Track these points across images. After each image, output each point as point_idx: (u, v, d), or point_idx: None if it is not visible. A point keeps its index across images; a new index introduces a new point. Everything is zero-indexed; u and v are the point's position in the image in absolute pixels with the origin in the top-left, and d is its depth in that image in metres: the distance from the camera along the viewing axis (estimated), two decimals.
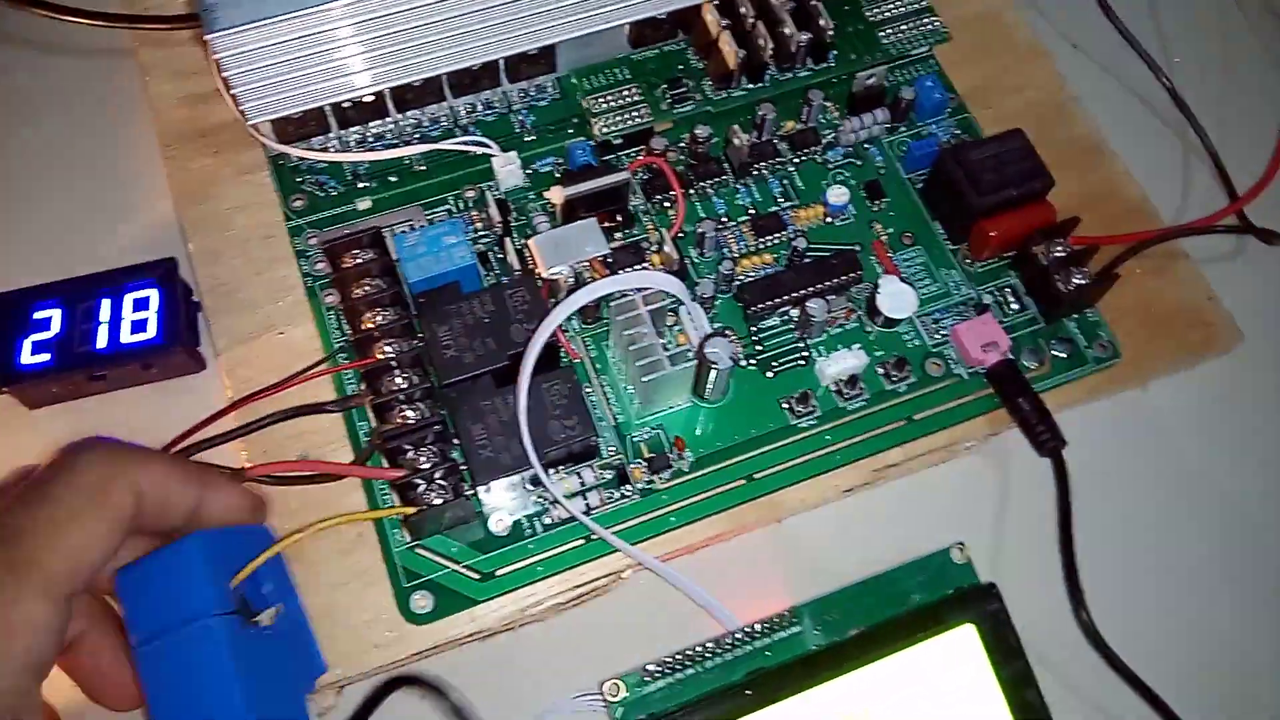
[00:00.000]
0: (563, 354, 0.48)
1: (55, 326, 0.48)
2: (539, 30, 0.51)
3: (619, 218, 0.51)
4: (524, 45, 0.51)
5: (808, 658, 0.43)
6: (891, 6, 0.56)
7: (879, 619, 0.44)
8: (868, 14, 0.56)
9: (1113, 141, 0.56)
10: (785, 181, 0.53)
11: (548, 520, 0.45)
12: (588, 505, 0.46)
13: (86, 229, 0.54)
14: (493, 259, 0.51)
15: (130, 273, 0.49)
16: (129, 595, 0.38)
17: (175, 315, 0.48)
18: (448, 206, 0.52)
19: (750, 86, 0.54)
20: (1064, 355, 0.50)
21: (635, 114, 0.53)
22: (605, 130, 0.52)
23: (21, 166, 0.55)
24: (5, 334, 0.47)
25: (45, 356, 0.47)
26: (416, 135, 0.53)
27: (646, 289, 0.46)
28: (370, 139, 0.53)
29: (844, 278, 0.49)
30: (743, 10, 0.53)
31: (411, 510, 0.43)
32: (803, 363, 0.49)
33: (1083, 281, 0.49)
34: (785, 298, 0.49)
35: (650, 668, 0.42)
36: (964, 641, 0.43)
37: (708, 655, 0.43)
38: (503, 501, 0.45)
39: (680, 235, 0.52)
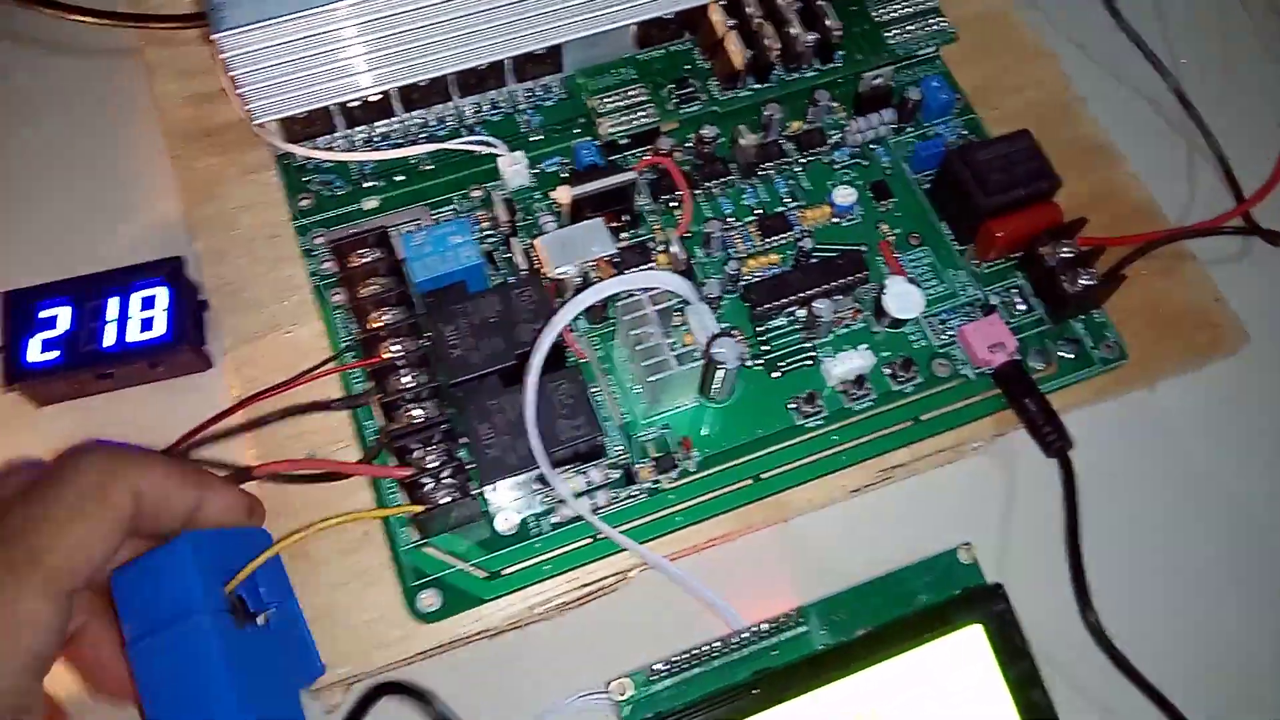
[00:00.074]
0: (569, 354, 0.48)
1: (63, 325, 0.48)
2: (546, 30, 0.51)
3: (625, 218, 0.51)
4: (531, 45, 0.51)
5: (814, 658, 0.43)
6: (898, 7, 0.56)
7: (886, 619, 0.44)
8: (874, 14, 0.56)
9: (1119, 142, 0.56)
10: (792, 182, 0.53)
11: (555, 519, 0.45)
12: (595, 504, 0.46)
13: (92, 228, 0.54)
14: (498, 258, 0.51)
15: (137, 271, 0.49)
16: (123, 594, 0.38)
17: (182, 314, 0.48)
18: (453, 206, 0.52)
19: (757, 86, 0.55)
20: (1071, 356, 0.50)
21: (641, 114, 0.53)
22: (611, 130, 0.53)
23: (28, 165, 0.55)
24: (13, 332, 0.47)
25: (53, 354, 0.47)
26: (423, 135, 0.53)
27: (653, 289, 0.46)
28: (376, 138, 0.53)
29: (850, 278, 0.49)
30: (749, 10, 0.53)
31: (419, 509, 0.43)
32: (809, 363, 0.49)
33: (1090, 282, 0.49)
34: (792, 298, 0.49)
35: (657, 667, 0.42)
36: (971, 642, 0.43)
37: (715, 654, 0.43)
38: (509, 501, 0.45)
39: (687, 235, 0.52)
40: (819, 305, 0.48)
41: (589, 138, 0.54)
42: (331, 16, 0.46)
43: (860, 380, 0.49)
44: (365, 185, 0.52)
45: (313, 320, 0.49)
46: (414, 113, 0.53)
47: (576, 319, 0.47)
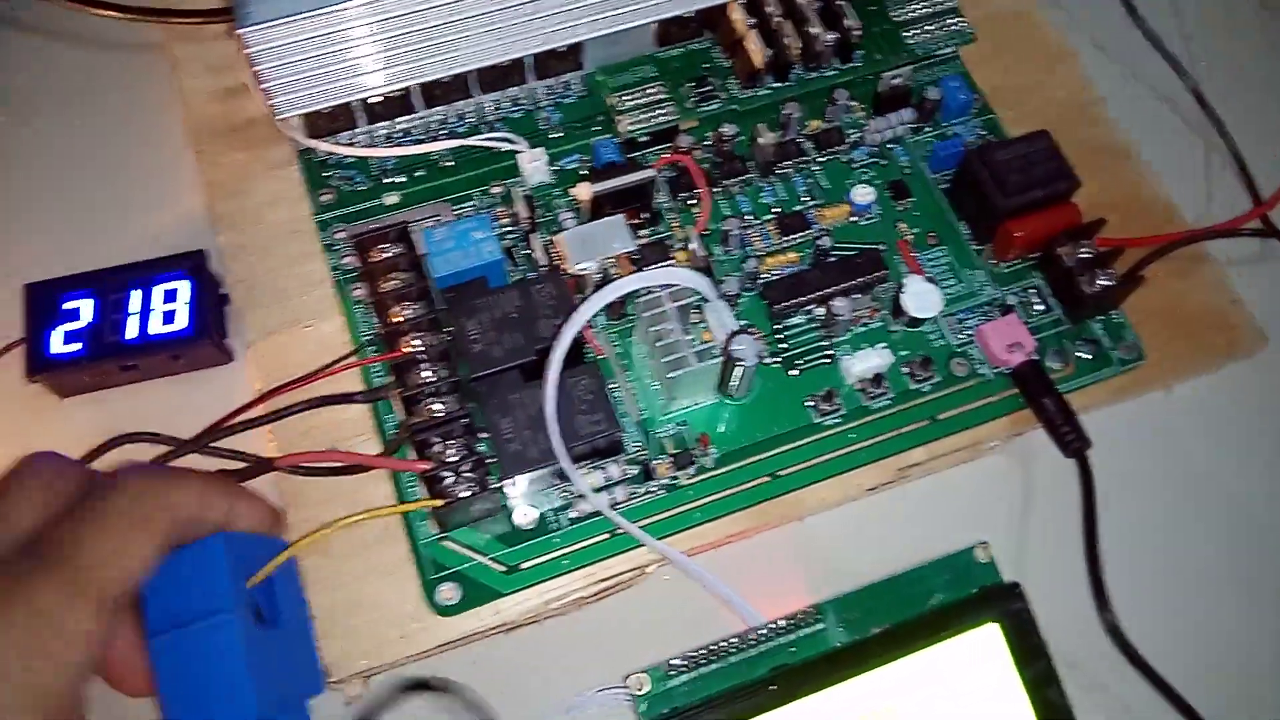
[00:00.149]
0: (587, 350, 0.48)
1: (86, 317, 0.48)
2: (567, 28, 0.51)
3: (645, 215, 0.52)
4: (553, 42, 0.51)
5: (831, 655, 0.43)
6: (917, 7, 0.56)
7: (902, 617, 0.44)
8: (893, 14, 0.56)
9: (1136, 144, 0.56)
10: (810, 180, 0.54)
11: (573, 514, 0.46)
12: (613, 500, 0.46)
13: (116, 221, 0.54)
14: (518, 254, 0.51)
15: (160, 264, 0.49)
16: (150, 589, 0.38)
17: (204, 307, 0.49)
18: (474, 203, 0.52)
19: (776, 85, 0.55)
20: (1088, 357, 0.50)
21: (661, 112, 0.53)
22: (631, 128, 0.53)
23: (52, 158, 0.56)
24: (37, 324, 0.48)
25: (76, 346, 0.47)
26: (443, 131, 0.54)
27: (673, 286, 0.46)
28: (398, 134, 0.53)
29: (869, 277, 0.49)
30: (769, 9, 0.53)
31: (438, 503, 0.43)
32: (827, 361, 0.49)
33: (1108, 283, 0.49)
34: (810, 296, 0.49)
35: (674, 662, 0.42)
36: (988, 640, 0.43)
37: (732, 650, 0.43)
38: (529, 495, 0.46)
39: (705, 233, 0.52)
40: (838, 304, 0.48)
41: (608, 135, 0.54)
42: (355, 12, 0.47)
43: (878, 379, 0.49)
44: (386, 181, 0.52)
45: (334, 315, 0.50)
46: (435, 109, 0.53)
47: (595, 315, 0.47)
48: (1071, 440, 0.47)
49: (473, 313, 0.46)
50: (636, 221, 0.51)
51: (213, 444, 0.46)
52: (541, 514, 0.46)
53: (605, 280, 0.47)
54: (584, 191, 0.50)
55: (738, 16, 0.53)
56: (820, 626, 0.44)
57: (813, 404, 0.48)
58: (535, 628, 0.45)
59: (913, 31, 0.56)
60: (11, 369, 0.49)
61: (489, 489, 0.44)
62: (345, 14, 0.46)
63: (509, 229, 0.51)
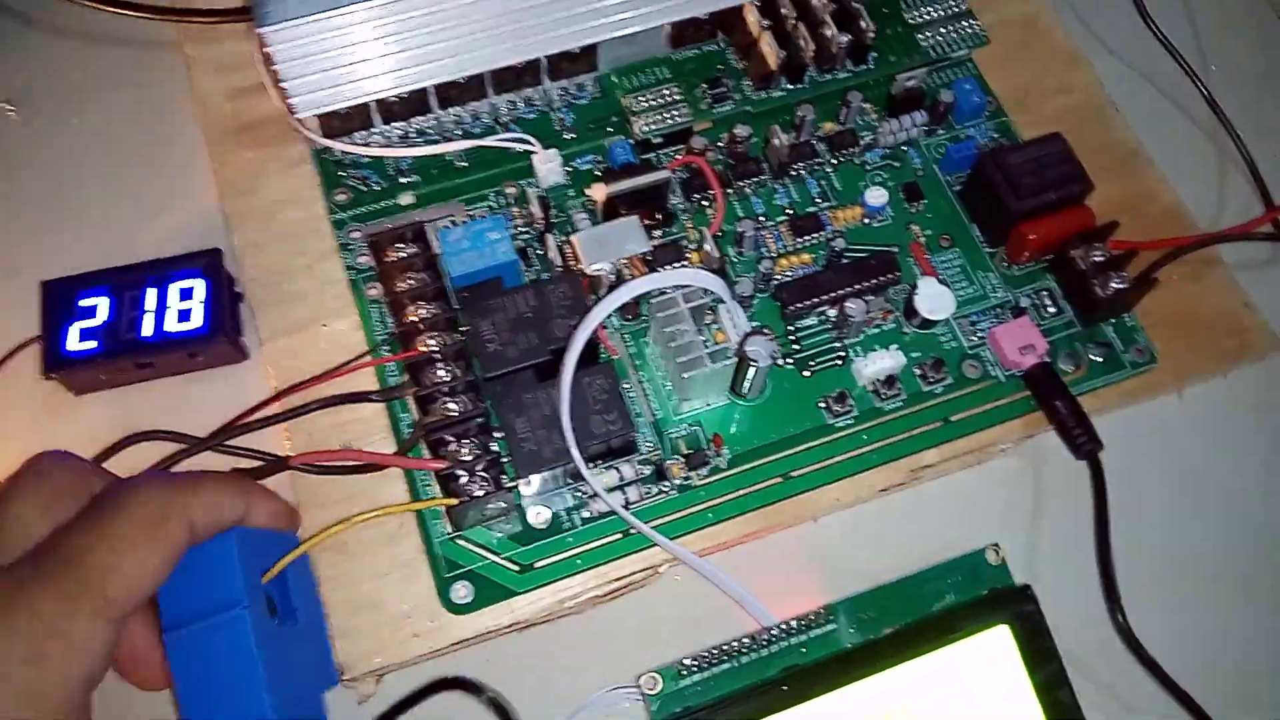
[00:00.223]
0: (601, 350, 0.48)
1: (102, 314, 0.48)
2: (582, 29, 0.51)
3: (658, 216, 0.52)
4: (568, 43, 0.51)
5: (843, 655, 0.43)
6: (931, 10, 0.56)
7: (914, 618, 0.44)
8: (907, 17, 0.56)
9: (1149, 147, 0.57)
10: (823, 182, 0.54)
11: (586, 514, 0.46)
12: (626, 500, 0.46)
13: (131, 220, 0.54)
14: (532, 255, 0.51)
15: (176, 262, 0.49)
16: (164, 583, 0.39)
17: (220, 305, 0.49)
18: (488, 203, 0.52)
19: (790, 87, 0.55)
20: (1100, 359, 0.50)
21: (675, 113, 0.53)
22: (645, 129, 0.53)
23: (68, 157, 0.56)
24: (53, 321, 0.48)
25: (92, 344, 0.48)
26: (458, 131, 0.54)
27: (687, 287, 0.46)
28: (412, 134, 0.53)
29: (882, 278, 0.49)
30: (784, 11, 0.53)
31: (453, 501, 0.43)
32: (840, 363, 0.50)
33: (1121, 286, 0.49)
34: (823, 297, 0.49)
35: (687, 662, 0.42)
36: (998, 642, 0.43)
37: (744, 651, 0.43)
38: (542, 494, 0.46)
39: (719, 234, 0.52)
40: (851, 305, 0.48)
41: (623, 136, 0.54)
42: (374, 12, 0.47)
43: (891, 380, 0.49)
44: (401, 181, 0.53)
45: (348, 314, 0.50)
46: (450, 109, 0.53)
47: (609, 315, 0.48)
48: (1084, 442, 0.48)
49: (488, 313, 0.46)
50: (650, 222, 0.51)
51: (227, 442, 0.46)
52: (555, 513, 0.46)
53: (619, 281, 0.48)
54: (599, 192, 0.50)
55: (752, 18, 0.53)
56: (832, 627, 0.44)
57: (825, 405, 0.49)
58: (548, 627, 0.46)
59: (927, 34, 0.56)
60: (27, 366, 0.49)
61: (503, 488, 0.44)
62: (363, 15, 0.47)
63: (522, 230, 0.52)
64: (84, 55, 0.59)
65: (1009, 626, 0.44)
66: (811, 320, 0.50)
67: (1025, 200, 0.50)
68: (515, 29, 0.50)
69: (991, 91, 0.57)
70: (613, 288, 0.47)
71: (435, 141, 0.53)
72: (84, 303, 0.48)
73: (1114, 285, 0.49)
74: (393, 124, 0.53)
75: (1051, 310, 0.51)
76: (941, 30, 0.56)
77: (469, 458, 0.44)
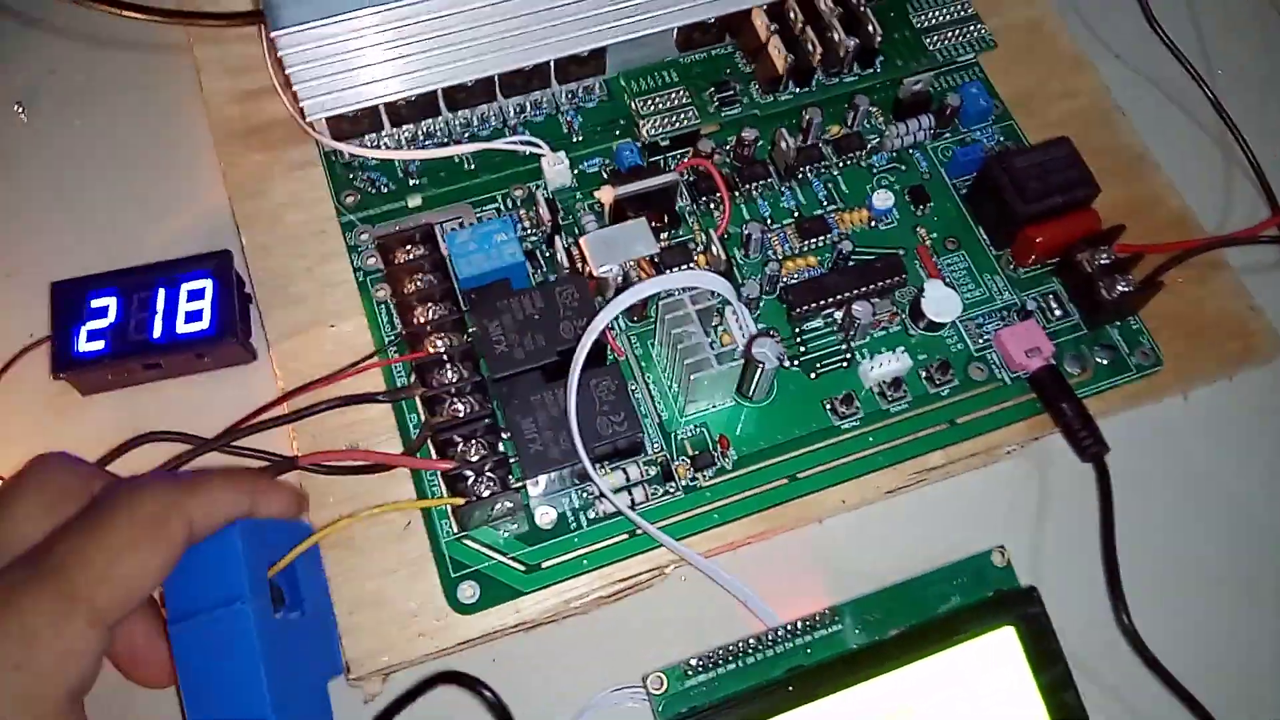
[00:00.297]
0: (608, 352, 0.48)
1: (111, 315, 0.48)
2: (590, 33, 0.51)
3: (665, 218, 0.52)
4: (576, 47, 0.52)
5: (848, 656, 0.43)
6: (938, 14, 0.57)
7: (919, 620, 0.44)
8: (914, 21, 0.56)
9: (1155, 151, 0.57)
10: (830, 185, 0.54)
11: (592, 515, 0.46)
12: (632, 501, 0.46)
13: (138, 221, 0.54)
14: (540, 257, 0.51)
15: (186, 264, 0.50)
16: (170, 575, 0.39)
17: (229, 306, 0.49)
18: (496, 205, 0.53)
19: (797, 91, 0.55)
20: (1106, 362, 0.50)
21: (682, 116, 0.54)
22: (653, 132, 0.53)
23: (77, 159, 0.56)
24: (63, 321, 0.48)
25: (101, 344, 0.48)
26: (465, 134, 0.54)
27: (694, 288, 0.47)
28: (421, 137, 0.54)
29: (888, 281, 0.50)
30: (792, 16, 0.54)
31: (460, 500, 0.44)
32: (846, 365, 0.50)
33: (1126, 289, 0.49)
34: (830, 300, 0.49)
35: (692, 662, 0.43)
36: (1003, 644, 0.43)
37: (749, 651, 0.43)
38: (549, 495, 0.46)
39: (725, 237, 0.52)
40: (858, 308, 0.49)
41: (630, 139, 0.54)
42: (385, 16, 0.47)
43: (896, 383, 0.49)
44: (410, 183, 0.53)
45: (356, 315, 0.50)
46: (458, 113, 0.54)
47: (616, 317, 0.48)
48: (1089, 445, 0.48)
49: (495, 314, 0.46)
50: (657, 225, 0.52)
51: (235, 443, 0.47)
52: (561, 514, 0.46)
53: (626, 283, 0.48)
54: (606, 195, 0.50)
55: (760, 22, 0.54)
56: (837, 628, 0.44)
57: (831, 407, 0.49)
58: (554, 627, 0.46)
59: (933, 38, 0.56)
60: (34, 367, 0.49)
61: (510, 488, 0.44)
62: (374, 18, 0.47)
63: (529, 232, 0.52)
64: (92, 57, 0.59)
65: (1014, 628, 0.44)
66: (818, 322, 0.51)
67: (1032, 204, 0.50)
68: (524, 33, 0.50)
69: (998, 95, 0.57)
70: (620, 290, 0.47)
71: (443, 144, 0.53)
72: (94, 303, 0.49)
73: (1120, 288, 0.49)
74: (401, 127, 0.53)
75: (1057, 313, 0.51)
76: (948, 34, 0.56)
77: (476, 458, 0.44)
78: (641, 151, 0.53)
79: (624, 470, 0.47)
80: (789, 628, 0.44)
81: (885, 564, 0.46)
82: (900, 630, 0.44)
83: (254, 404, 0.48)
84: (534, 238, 0.52)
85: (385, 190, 0.53)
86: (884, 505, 0.48)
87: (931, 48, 0.56)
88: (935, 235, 0.53)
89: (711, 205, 0.53)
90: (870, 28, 0.53)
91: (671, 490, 0.47)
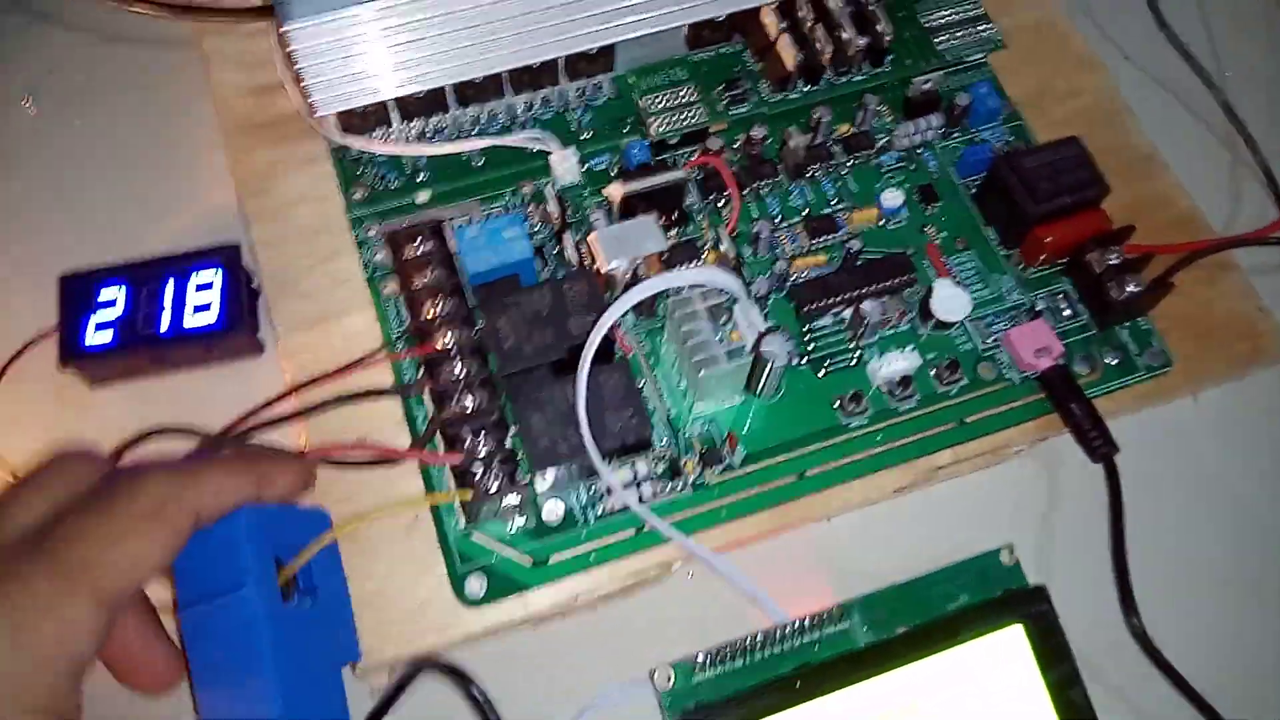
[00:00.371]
0: (616, 348, 0.48)
1: (120, 307, 0.48)
2: (601, 30, 0.51)
3: (674, 216, 0.52)
4: (585, 44, 0.51)
5: (856, 653, 0.43)
6: (948, 13, 0.57)
7: (927, 618, 0.44)
8: (924, 20, 0.56)
9: (1164, 152, 0.57)
10: (839, 184, 0.54)
11: (600, 510, 0.46)
12: (640, 496, 0.46)
13: (147, 215, 0.54)
14: (547, 253, 0.51)
15: (194, 257, 0.50)
16: (179, 562, 0.39)
17: (237, 300, 0.49)
18: (504, 201, 0.52)
19: (806, 89, 0.55)
20: (1115, 363, 0.50)
21: (691, 114, 0.54)
22: (661, 130, 0.53)
23: (85, 153, 0.56)
24: (72, 313, 0.48)
25: (109, 336, 0.48)
26: (474, 131, 0.54)
27: (703, 285, 0.46)
28: (429, 133, 0.54)
29: (897, 280, 0.50)
30: (801, 14, 0.54)
31: (469, 494, 0.44)
32: (854, 363, 0.50)
33: (1136, 290, 0.49)
34: (839, 298, 0.49)
35: (700, 658, 0.42)
36: (1011, 642, 0.43)
37: (757, 648, 0.43)
38: (557, 490, 0.46)
39: (734, 235, 0.52)
40: (867, 306, 0.49)
41: (639, 137, 0.54)
42: (396, 11, 0.47)
43: (905, 381, 0.49)
44: (419, 179, 0.53)
45: (364, 310, 0.50)
46: (467, 109, 0.54)
47: (624, 314, 0.48)
48: (1099, 445, 0.48)
49: (504, 310, 0.46)
50: (666, 222, 0.52)
51: (242, 437, 0.47)
52: (569, 509, 0.46)
53: (635, 279, 0.48)
54: (616, 191, 0.50)
55: (769, 20, 0.54)
56: (845, 626, 0.44)
57: (839, 405, 0.49)
58: (561, 621, 0.46)
59: (943, 37, 0.56)
60: (42, 358, 0.49)
61: (518, 483, 0.44)
62: (384, 13, 0.47)
63: (537, 229, 0.52)
64: (100, 52, 0.59)
65: (1022, 626, 0.44)
66: (826, 321, 0.50)
67: (1042, 204, 0.50)
68: (533, 29, 0.50)
69: (1006, 95, 0.57)
70: (628, 286, 0.47)
71: (452, 140, 0.53)
72: (103, 295, 0.49)
73: (1129, 289, 0.49)
74: (410, 122, 0.53)
75: (1067, 313, 0.51)
76: (958, 34, 0.56)
77: (484, 453, 0.44)
78: (650, 149, 0.53)
79: (632, 466, 0.46)
80: (797, 625, 0.44)
81: (893, 562, 0.46)
82: (908, 628, 0.44)
83: (261, 398, 0.47)
84: (542, 234, 0.52)
85: (394, 186, 0.53)
86: (892, 504, 0.48)
87: (941, 47, 0.56)
88: (945, 234, 0.53)
89: (720, 204, 0.53)
90: (880, 26, 0.53)
91: (679, 487, 0.47)
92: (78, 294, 0.49)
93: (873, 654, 0.43)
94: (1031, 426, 0.49)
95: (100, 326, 0.48)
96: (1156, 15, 0.62)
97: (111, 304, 0.48)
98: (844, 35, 0.53)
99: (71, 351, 0.48)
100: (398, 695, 0.42)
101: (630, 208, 0.50)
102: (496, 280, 0.48)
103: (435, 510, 0.46)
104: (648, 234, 0.48)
